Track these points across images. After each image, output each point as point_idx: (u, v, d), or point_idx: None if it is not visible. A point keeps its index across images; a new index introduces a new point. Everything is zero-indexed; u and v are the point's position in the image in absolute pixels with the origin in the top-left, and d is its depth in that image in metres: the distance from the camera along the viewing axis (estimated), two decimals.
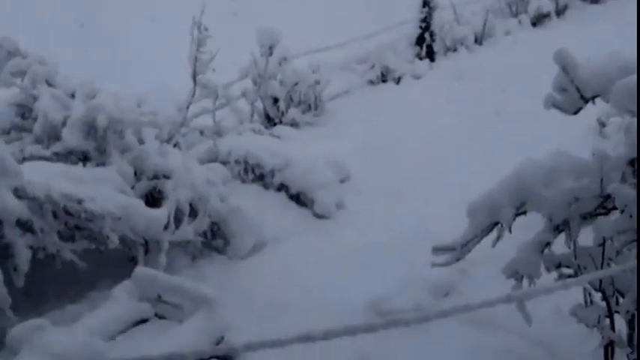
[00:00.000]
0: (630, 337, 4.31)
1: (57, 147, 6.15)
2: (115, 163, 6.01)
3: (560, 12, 14.01)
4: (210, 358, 4.79)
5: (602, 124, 8.61)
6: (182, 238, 6.20)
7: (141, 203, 5.86)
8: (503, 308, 4.05)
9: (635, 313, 4.20)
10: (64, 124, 6.20)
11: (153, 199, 6.13)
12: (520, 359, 5.17)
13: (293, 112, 9.36)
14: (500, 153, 7.33)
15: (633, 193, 3.94)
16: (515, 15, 13.47)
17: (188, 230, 6.20)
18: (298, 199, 7.64)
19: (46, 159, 6.04)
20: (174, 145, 6.88)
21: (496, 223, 4.38)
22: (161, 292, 5.18)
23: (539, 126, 7.94)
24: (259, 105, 9.25)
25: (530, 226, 4.60)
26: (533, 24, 13.43)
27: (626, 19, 12.73)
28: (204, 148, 7.70)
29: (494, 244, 4.41)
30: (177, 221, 6.13)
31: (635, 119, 4.00)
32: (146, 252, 5.96)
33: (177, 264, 6.31)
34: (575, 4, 14.55)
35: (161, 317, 5.15)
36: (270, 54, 8.64)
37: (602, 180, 4.05)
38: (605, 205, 4.14)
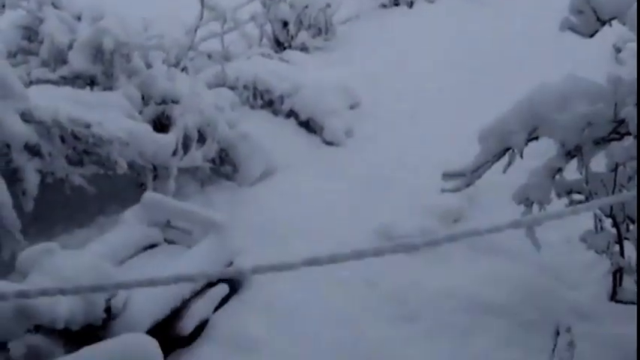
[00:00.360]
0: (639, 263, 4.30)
1: (63, 70, 6.08)
2: (122, 88, 5.95)
3: None
4: (219, 281, 4.86)
5: (618, 50, 8.45)
6: (190, 164, 6.18)
7: (149, 128, 5.81)
8: (512, 235, 4.05)
9: None
10: (70, 47, 6.12)
11: (161, 124, 6.08)
12: (528, 285, 5.18)
13: (303, 36, 9.20)
14: (514, 78, 7.22)
15: None
16: None
17: (196, 156, 6.17)
18: (308, 125, 7.58)
19: (52, 83, 5.97)
20: (182, 70, 6.79)
21: (507, 149, 4.33)
22: (170, 217, 5.19)
23: (554, 51, 7.81)
24: (268, 29, 9.09)
25: (542, 154, 4.55)
26: None
27: None
28: (212, 73, 7.60)
29: (504, 170, 4.36)
30: (186, 147, 6.10)
31: None
32: (155, 178, 5.95)
33: (186, 190, 6.31)
34: None
35: (170, 242, 5.17)
36: None
37: (616, 104, 3.97)
38: (618, 130, 4.07)
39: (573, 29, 4.10)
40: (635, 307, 4.39)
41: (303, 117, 7.58)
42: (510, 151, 4.30)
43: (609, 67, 7.85)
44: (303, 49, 9.18)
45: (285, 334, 4.70)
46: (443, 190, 4.66)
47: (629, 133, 4.01)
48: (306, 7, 9.17)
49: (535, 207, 4.31)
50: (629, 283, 4.40)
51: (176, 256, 4.79)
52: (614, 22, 4.08)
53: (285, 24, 9.11)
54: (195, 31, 7.06)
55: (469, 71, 8.57)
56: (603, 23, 3.97)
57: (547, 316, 4.73)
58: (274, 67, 7.94)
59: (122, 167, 5.47)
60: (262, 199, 6.36)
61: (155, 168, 5.95)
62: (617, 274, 4.37)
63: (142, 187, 5.84)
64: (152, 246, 5.11)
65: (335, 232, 5.70)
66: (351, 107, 7.91)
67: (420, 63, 8.85)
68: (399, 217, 5.90)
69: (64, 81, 6.05)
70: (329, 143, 7.39)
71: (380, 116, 7.85)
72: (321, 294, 5.08)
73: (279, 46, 9.17)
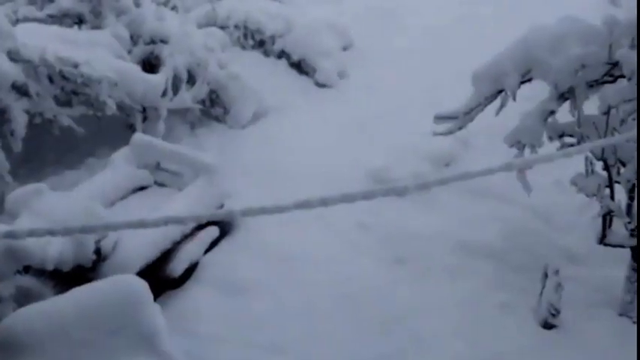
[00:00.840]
0: (629, 207, 4.31)
1: (51, 9, 5.97)
2: (110, 27, 5.85)
3: None
4: (209, 223, 4.86)
5: None
6: (180, 106, 6.11)
7: (138, 68, 5.74)
8: (503, 179, 4.04)
9: (636, 182, 4.18)
10: None
11: (150, 64, 5.99)
12: (517, 228, 5.21)
13: None
14: (510, 19, 7.12)
15: None
16: None
17: (186, 97, 6.11)
18: (300, 67, 7.49)
19: (39, 21, 5.86)
20: (172, 9, 6.66)
21: (500, 91, 4.29)
22: (160, 159, 5.16)
23: None
24: None
25: (535, 97, 4.51)
26: None
27: None
28: (202, 12, 7.48)
29: (497, 113, 4.33)
30: (175, 88, 6.03)
31: None
32: (144, 119, 5.89)
33: (176, 132, 6.26)
34: None
35: (161, 185, 5.15)
36: None
37: (610, 46, 3.92)
38: (612, 72, 4.04)
39: None
40: (623, 249, 4.43)
41: (295, 58, 7.49)
42: (503, 93, 4.26)
43: (605, 8, 7.75)
44: None
45: (276, 276, 4.72)
46: (435, 134, 4.64)
47: (622, 76, 3.97)
48: None
49: (527, 150, 4.29)
50: (618, 226, 4.41)
51: (166, 199, 4.77)
52: None
53: None
54: None
55: (463, 11, 8.45)
56: None
57: (536, 259, 4.76)
58: (265, 6, 7.80)
59: (111, 108, 5.41)
60: (253, 142, 6.32)
61: (144, 109, 5.88)
62: (607, 218, 4.37)
63: (131, 128, 5.79)
64: (142, 188, 5.09)
65: (327, 174, 5.68)
66: (344, 48, 7.82)
67: (416, 2, 8.70)
68: (391, 159, 5.88)
69: (52, 19, 5.94)
70: (321, 85, 7.32)
71: (373, 57, 7.75)
72: (313, 237, 5.09)
73: None
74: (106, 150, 5.57)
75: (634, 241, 4.33)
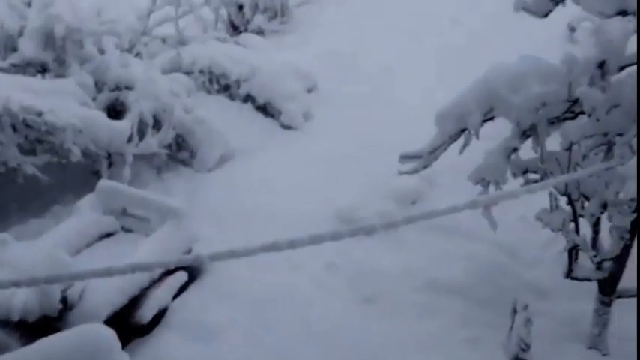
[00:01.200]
0: (594, 240, 4.37)
1: (14, 58, 5.95)
2: (74, 74, 5.85)
3: None
4: (178, 268, 4.82)
5: (572, 29, 8.53)
6: (146, 151, 6.10)
7: (103, 115, 5.73)
8: (469, 216, 4.08)
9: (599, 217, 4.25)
10: (20, 34, 5.98)
11: (115, 111, 5.99)
12: (485, 264, 5.25)
13: (259, 20, 9.12)
14: (470, 58, 7.24)
15: (601, 96, 3.92)
16: None
17: (152, 142, 6.10)
18: (265, 109, 7.53)
19: (3, 70, 5.83)
20: (136, 55, 6.69)
21: (464, 130, 4.35)
22: (126, 204, 5.13)
23: (509, 32, 7.86)
24: (224, 12, 8.99)
25: (498, 137, 4.58)
26: None
27: None
28: (167, 58, 7.51)
29: (461, 152, 4.38)
30: (141, 133, 6.02)
31: (605, 21, 3.93)
32: (110, 165, 5.87)
33: (142, 178, 6.23)
34: None
35: (128, 231, 5.11)
36: None
37: (570, 84, 4.01)
38: (572, 109, 4.12)
39: (527, 9, 4.12)
40: (589, 283, 4.48)
41: (260, 101, 7.53)
42: (467, 132, 4.31)
43: (564, 45, 7.93)
44: (259, 32, 9.10)
45: (246, 318, 4.69)
46: (400, 173, 4.67)
47: (582, 112, 4.06)
48: None
49: (491, 187, 4.34)
50: (584, 259, 4.47)
51: (133, 245, 4.73)
52: (568, 2, 4.11)
53: (241, 7, 9.01)
54: (149, 15, 6.96)
55: (425, 52, 8.57)
56: (556, 3, 3.99)
57: (504, 294, 4.79)
58: (230, 51, 7.85)
59: (76, 155, 5.39)
60: (220, 185, 6.31)
61: (110, 155, 5.86)
62: (573, 252, 4.42)
63: (96, 175, 5.76)
64: (109, 235, 5.05)
65: (294, 215, 5.68)
66: (309, 90, 7.87)
67: (377, 45, 8.81)
68: (357, 199, 5.91)
69: (15, 69, 5.92)
70: (287, 127, 7.35)
71: (337, 99, 7.82)
72: (282, 278, 5.08)
73: (235, 30, 9.08)
74: (71, 197, 5.53)
75: (600, 274, 4.39)
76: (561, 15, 4.62)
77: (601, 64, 3.86)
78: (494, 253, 5.35)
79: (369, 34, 9.03)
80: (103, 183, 5.16)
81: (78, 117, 5.41)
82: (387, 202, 5.91)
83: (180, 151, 6.55)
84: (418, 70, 8.09)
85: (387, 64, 8.33)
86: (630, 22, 4.03)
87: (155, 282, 4.63)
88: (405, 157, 4.63)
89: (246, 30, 9.10)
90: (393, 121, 7.17)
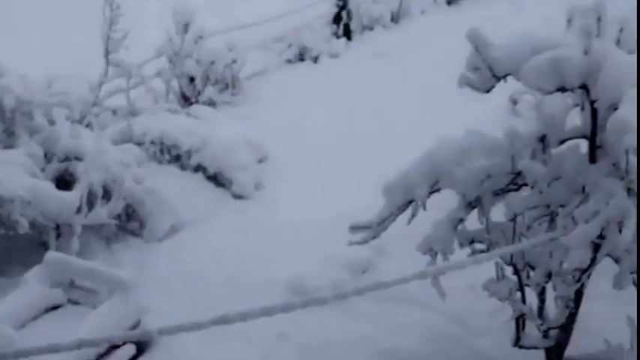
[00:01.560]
0: (540, 309, 4.45)
1: None
2: (24, 145, 5.82)
3: None
4: (125, 343, 4.75)
5: (515, 102, 8.80)
6: (95, 222, 6.05)
7: (51, 186, 5.69)
8: (418, 285, 4.13)
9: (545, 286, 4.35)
10: None
11: (64, 181, 5.96)
12: (434, 333, 5.28)
13: (210, 91, 9.22)
14: (416, 132, 7.42)
15: (543, 169, 4.06)
16: None
17: (101, 213, 6.06)
18: (216, 179, 7.55)
19: None
20: (87, 126, 6.70)
21: (411, 201, 4.44)
22: (74, 277, 5.07)
23: (454, 104, 8.08)
24: (175, 84, 9.07)
25: (446, 206, 4.68)
26: (449, 3, 13.58)
27: None
28: (117, 129, 7.51)
29: (409, 222, 4.46)
30: (90, 204, 5.98)
31: (545, 97, 4.11)
32: (58, 236, 5.80)
33: (91, 248, 6.16)
34: None
35: (75, 303, 5.04)
36: (186, 32, 8.48)
37: (513, 157, 4.15)
38: (516, 181, 4.25)
39: (470, 85, 4.27)
40: (537, 351, 4.55)
41: (211, 171, 7.55)
42: (414, 203, 4.41)
43: (507, 118, 8.18)
44: (211, 103, 9.18)
45: None
46: (350, 243, 4.73)
47: (525, 184, 4.20)
48: (213, 62, 9.19)
49: (439, 257, 4.42)
50: (531, 328, 4.54)
51: (81, 318, 4.66)
52: (509, 78, 4.28)
53: (192, 79, 9.10)
54: (100, 87, 7.01)
55: (373, 124, 8.75)
56: (498, 79, 4.15)
57: None
58: (181, 122, 7.91)
59: (24, 227, 5.33)
60: (171, 255, 6.27)
61: (58, 226, 5.80)
62: (520, 320, 4.50)
63: (44, 246, 5.68)
64: (55, 307, 4.96)
65: (245, 285, 5.67)
66: (260, 160, 7.94)
67: (325, 116, 8.97)
68: (309, 268, 5.92)
69: None
70: (238, 197, 7.37)
71: (288, 169, 7.90)
72: (232, 350, 5.03)
73: (186, 101, 9.15)
74: (17, 269, 5.43)
75: (547, 343, 4.46)
76: (504, 88, 4.80)
77: (542, 138, 4.02)
78: (444, 323, 5.39)
79: (317, 106, 9.20)
80: (51, 254, 5.10)
81: (26, 188, 5.37)
82: (338, 271, 5.94)
83: (130, 222, 6.51)
84: (367, 143, 8.24)
85: (336, 135, 8.48)
86: (569, 97, 4.23)
87: (102, 355, 4.55)
88: (354, 228, 4.70)
89: (197, 101, 9.17)
90: (343, 190, 7.26)
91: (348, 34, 11.71)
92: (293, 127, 8.65)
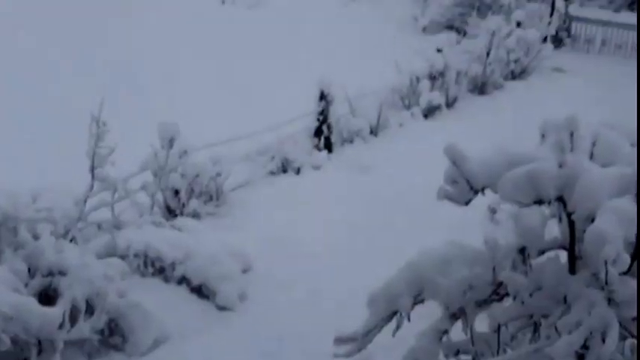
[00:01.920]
0: None
1: None
2: (7, 261, 5.82)
3: (450, 104, 14.66)
4: None
5: (493, 211, 8.95)
6: (78, 337, 5.99)
7: (34, 302, 5.66)
8: None
9: None
10: None
11: (47, 296, 5.92)
12: None
13: (194, 204, 9.32)
14: (397, 242, 7.52)
15: (524, 280, 4.13)
16: (408, 107, 13.98)
17: (84, 328, 6.00)
18: (200, 291, 7.53)
19: None
20: (71, 240, 6.71)
21: (395, 312, 4.47)
22: None
23: (434, 212, 8.20)
24: (159, 197, 9.17)
25: (430, 314, 4.71)
26: (425, 116, 13.98)
27: (506, 112, 13.69)
28: (102, 242, 7.54)
29: (394, 334, 4.48)
30: (73, 319, 5.93)
31: (523, 209, 4.22)
32: (39, 352, 5.72)
33: None
34: (464, 95, 15.27)
35: None
36: (171, 147, 8.65)
37: (494, 268, 4.22)
38: (498, 291, 4.31)
39: (449, 198, 4.39)
40: None
41: (195, 283, 7.55)
42: (398, 314, 4.44)
43: (486, 226, 8.31)
44: (195, 215, 9.27)
45: None
46: (335, 356, 4.71)
47: (508, 294, 4.25)
48: (197, 175, 9.35)
49: None
50: None
51: None
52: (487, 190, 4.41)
53: (177, 192, 9.23)
54: (85, 201, 7.06)
55: (355, 235, 8.85)
56: (476, 192, 4.27)
57: None
58: (166, 235, 7.96)
59: (5, 343, 5.26)
60: None
61: (40, 342, 5.73)
62: None
63: None
64: None
65: None
66: (244, 271, 7.95)
67: (309, 227, 9.08)
68: None
69: None
70: (222, 308, 7.35)
71: (272, 280, 7.91)
72: None
73: (171, 213, 9.23)
74: None
75: None
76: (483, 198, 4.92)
77: (522, 250, 4.11)
78: None
79: (301, 217, 9.32)
80: None
81: (9, 304, 5.34)
82: None
83: (113, 336, 6.44)
84: (350, 254, 8.32)
85: (321, 246, 8.55)
86: (546, 208, 4.35)
87: None
88: (339, 340, 4.70)
89: (182, 213, 9.26)
90: (326, 303, 7.27)
91: (329, 146, 11.98)
92: (277, 238, 8.73)
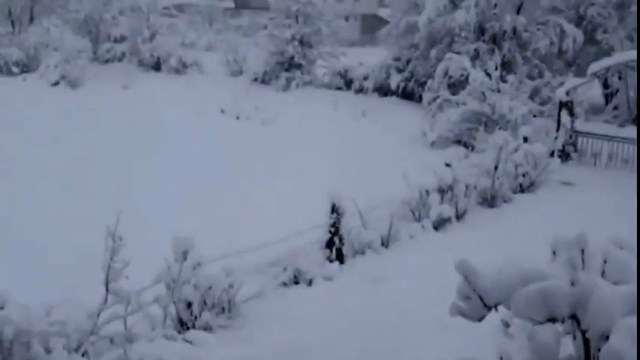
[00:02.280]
0: None
1: None
2: None
3: (460, 216, 14.78)
4: None
5: (507, 325, 8.89)
6: None
7: None
8: None
9: None
10: None
11: None
12: None
13: (206, 316, 9.29)
14: (411, 355, 7.44)
15: None
16: (419, 220, 14.11)
17: None
18: None
19: None
20: (83, 355, 6.70)
21: None
22: None
23: (446, 327, 8.18)
24: (172, 309, 9.18)
25: None
26: (435, 228, 14.07)
27: (515, 224, 13.81)
28: (114, 357, 7.51)
29: None
30: None
31: (537, 327, 4.24)
32: None
33: None
34: (473, 208, 15.40)
35: None
36: (185, 259, 8.73)
37: None
38: None
39: (462, 314, 4.43)
40: None
41: None
42: None
43: (499, 340, 8.23)
44: (207, 328, 9.23)
45: None
46: None
47: None
48: (210, 287, 9.39)
49: None
50: None
51: None
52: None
53: (189, 304, 9.24)
54: (99, 314, 7.10)
55: (367, 350, 8.80)
56: (490, 309, 4.31)
57: None
58: (177, 349, 7.93)
59: None
60: None
61: None
62: None
63: None
64: None
65: None
66: None
67: (322, 339, 9.03)
68: None
69: None
70: None
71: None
72: None
73: (183, 325, 9.20)
74: None
75: None
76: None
77: None
78: None
79: (315, 327, 9.29)
80: None
81: None
82: None
83: None
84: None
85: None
86: (560, 326, 4.37)
87: None
88: None
89: (194, 326, 9.24)
90: None
91: (340, 258, 12.04)
92: (289, 350, 8.67)
